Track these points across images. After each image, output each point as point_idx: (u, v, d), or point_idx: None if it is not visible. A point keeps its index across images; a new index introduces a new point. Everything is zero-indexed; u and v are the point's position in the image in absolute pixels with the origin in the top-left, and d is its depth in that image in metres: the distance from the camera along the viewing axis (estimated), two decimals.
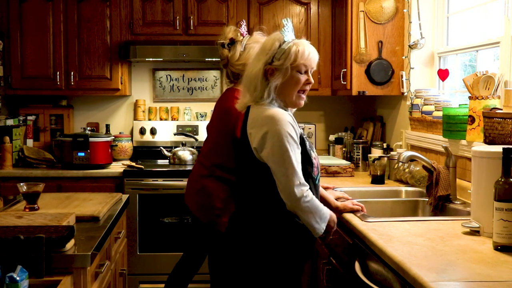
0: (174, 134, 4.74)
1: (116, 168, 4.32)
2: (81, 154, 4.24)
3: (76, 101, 4.86)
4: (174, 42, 4.44)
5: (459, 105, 3.08)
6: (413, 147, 3.71)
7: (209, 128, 2.98)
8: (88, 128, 4.49)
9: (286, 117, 2.18)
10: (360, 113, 4.86)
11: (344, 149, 4.43)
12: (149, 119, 4.87)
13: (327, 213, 2.28)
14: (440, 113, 3.24)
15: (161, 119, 4.87)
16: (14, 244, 1.86)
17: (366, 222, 2.39)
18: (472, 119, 2.76)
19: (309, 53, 2.24)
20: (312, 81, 2.28)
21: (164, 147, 4.61)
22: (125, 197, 3.12)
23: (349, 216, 2.53)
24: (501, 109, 2.59)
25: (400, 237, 2.12)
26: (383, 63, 3.95)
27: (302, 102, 2.30)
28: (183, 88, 4.92)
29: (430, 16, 3.81)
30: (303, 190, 2.16)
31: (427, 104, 3.54)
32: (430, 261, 1.81)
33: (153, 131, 4.77)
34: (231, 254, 2.30)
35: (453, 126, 2.96)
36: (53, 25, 4.45)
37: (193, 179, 2.93)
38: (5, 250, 1.86)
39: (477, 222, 2.14)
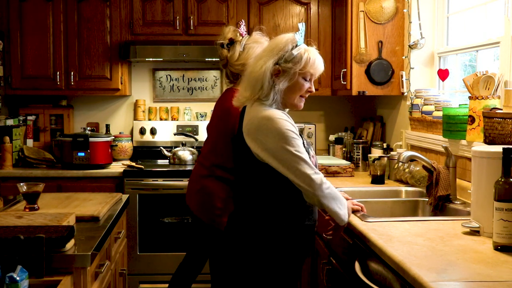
0: (174, 134, 4.74)
1: (116, 168, 4.32)
2: (81, 154, 4.24)
3: (76, 101, 4.86)
4: (174, 42, 4.44)
5: (459, 105, 3.08)
6: (413, 147, 3.71)
7: (209, 128, 2.98)
8: (88, 128, 4.49)
9: (281, 115, 2.18)
10: (360, 113, 4.86)
11: (344, 149, 4.43)
12: (149, 119, 4.87)
13: (344, 199, 2.30)
14: (440, 113, 3.24)
15: (161, 119, 4.88)
16: (14, 244, 1.86)
17: (366, 222, 2.39)
18: (472, 119, 2.76)
19: (318, 64, 2.25)
20: (314, 90, 2.30)
21: (164, 147, 4.61)
22: (125, 197, 3.12)
23: None
24: (501, 109, 2.59)
25: (400, 237, 2.12)
26: (383, 63, 3.95)
27: (302, 104, 2.30)
28: (183, 88, 4.92)
29: (430, 16, 3.81)
30: (321, 177, 2.18)
31: (427, 104, 3.54)
32: (430, 261, 1.81)
33: (153, 131, 4.77)
34: (230, 253, 2.30)
35: (453, 126, 2.96)
36: (53, 25, 4.45)
37: (194, 179, 2.94)
38: (5, 250, 1.86)
39: (477, 222, 2.14)
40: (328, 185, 2.20)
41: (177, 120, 4.87)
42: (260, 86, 2.20)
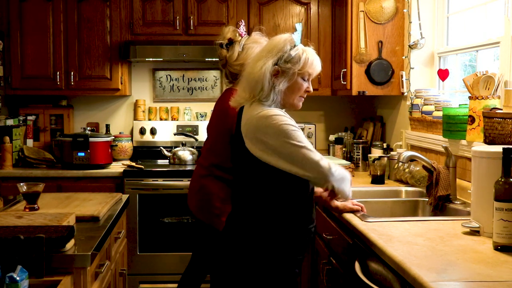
0: (174, 134, 4.74)
1: (116, 168, 4.32)
2: (81, 154, 4.24)
3: (76, 101, 4.86)
4: (174, 42, 4.44)
5: (459, 105, 3.08)
6: (413, 147, 3.71)
7: (208, 128, 2.99)
8: (88, 128, 4.49)
9: (278, 112, 2.18)
10: (360, 113, 4.86)
11: (344, 149, 4.43)
12: (149, 119, 4.87)
13: (348, 173, 2.33)
14: (440, 113, 3.24)
15: (161, 119, 4.88)
16: (14, 244, 1.86)
17: (366, 222, 2.39)
18: (472, 119, 2.76)
19: (316, 64, 2.27)
20: (311, 90, 2.30)
21: (164, 147, 4.61)
22: (125, 197, 3.12)
23: (349, 216, 2.53)
24: (501, 109, 2.59)
25: (400, 237, 2.12)
26: (383, 63, 3.95)
27: (300, 104, 2.31)
28: (183, 88, 4.93)
29: (430, 16, 3.81)
30: (328, 161, 2.20)
31: (427, 104, 3.54)
32: (430, 261, 1.81)
33: (153, 131, 4.77)
34: (228, 253, 2.30)
35: (453, 126, 2.97)
36: (53, 25, 4.45)
37: (194, 180, 2.94)
38: (5, 250, 1.86)
39: (477, 222, 2.14)
40: (336, 167, 2.22)
41: (177, 120, 4.87)
42: (260, 87, 2.19)
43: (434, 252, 1.92)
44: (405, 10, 3.90)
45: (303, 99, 2.30)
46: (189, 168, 4.32)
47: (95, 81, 4.50)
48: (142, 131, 4.78)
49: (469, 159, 2.66)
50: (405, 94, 3.93)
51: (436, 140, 3.30)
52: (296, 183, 2.21)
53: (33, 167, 4.31)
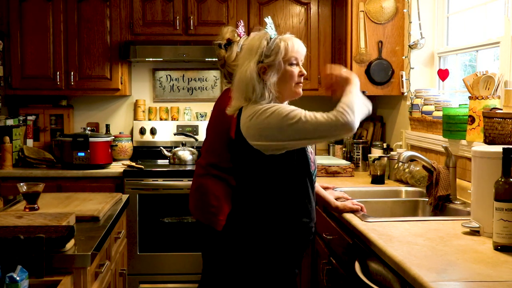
0: (174, 134, 4.74)
1: (116, 168, 4.32)
2: (81, 154, 4.24)
3: (76, 101, 4.86)
4: (174, 42, 4.44)
5: (459, 105, 3.08)
6: (413, 147, 3.71)
7: (207, 128, 3.00)
8: (88, 128, 4.49)
9: (270, 104, 2.18)
10: None
11: (344, 149, 4.43)
12: (149, 119, 4.87)
13: (355, 88, 2.25)
14: (440, 113, 3.24)
15: (161, 119, 4.88)
16: (14, 244, 1.86)
17: (366, 222, 2.39)
18: (472, 119, 2.76)
19: (298, 46, 2.26)
20: (305, 72, 2.29)
21: (164, 147, 4.61)
22: (125, 197, 3.12)
23: (349, 216, 2.53)
24: (501, 109, 2.59)
25: (400, 237, 2.12)
26: (383, 63, 3.95)
27: (300, 90, 2.30)
28: (183, 88, 4.93)
29: (430, 16, 3.81)
30: (335, 114, 2.13)
31: (427, 104, 3.54)
32: (430, 261, 1.81)
33: (153, 131, 4.77)
34: (228, 253, 2.30)
35: (453, 126, 2.97)
36: (53, 25, 4.45)
37: (193, 181, 2.94)
38: (5, 250, 1.86)
39: (477, 222, 2.14)
40: (344, 111, 2.12)
41: (177, 120, 4.87)
42: (252, 89, 2.20)
43: (434, 252, 1.92)
44: (405, 10, 3.90)
45: (301, 85, 2.29)
46: (189, 168, 4.32)
47: (95, 81, 4.50)
48: (142, 131, 4.79)
49: (469, 159, 2.66)
50: (405, 94, 3.93)
51: (436, 140, 3.30)
52: (297, 177, 2.21)
53: (33, 167, 4.31)
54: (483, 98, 2.71)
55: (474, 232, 2.14)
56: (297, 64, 2.26)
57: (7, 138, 4.24)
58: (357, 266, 2.28)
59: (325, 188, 2.81)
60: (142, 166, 4.26)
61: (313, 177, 2.31)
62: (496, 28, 3.03)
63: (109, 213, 2.68)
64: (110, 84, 4.51)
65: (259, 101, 2.21)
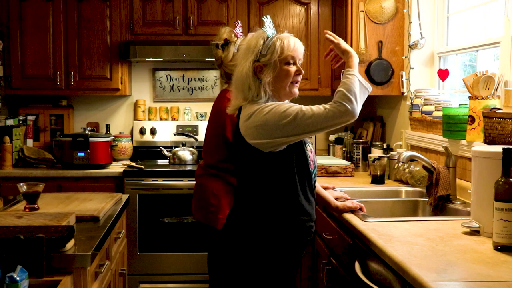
0: (174, 134, 4.74)
1: (116, 168, 4.32)
2: (81, 154, 4.24)
3: (76, 101, 4.86)
4: (174, 42, 4.44)
5: (459, 105, 3.08)
6: (413, 147, 3.71)
7: (206, 129, 3.01)
8: (88, 128, 4.49)
9: (266, 104, 2.19)
10: (360, 113, 4.84)
11: (344, 149, 4.43)
12: (149, 119, 4.87)
13: (353, 71, 2.24)
14: (440, 113, 3.24)
15: (161, 119, 4.88)
16: (14, 244, 1.86)
17: (366, 222, 2.39)
18: (472, 119, 2.76)
19: (294, 44, 2.25)
20: (302, 71, 2.28)
21: (164, 147, 4.61)
22: (125, 197, 3.12)
23: (349, 216, 2.53)
24: (501, 109, 2.59)
25: (400, 237, 2.12)
26: (383, 63, 3.95)
27: (296, 90, 2.30)
28: (183, 88, 4.93)
29: (430, 16, 3.81)
30: (335, 106, 2.13)
31: (427, 104, 3.54)
32: (430, 261, 1.81)
33: (153, 131, 4.77)
34: (229, 251, 2.30)
35: (453, 126, 2.96)
36: (53, 25, 4.45)
37: (195, 182, 2.95)
38: (5, 250, 1.86)
39: (477, 222, 2.14)
40: (344, 100, 2.13)
41: (177, 120, 4.87)
42: (247, 88, 2.22)
43: (434, 252, 1.92)
44: (405, 10, 3.90)
45: (296, 85, 2.29)
46: (189, 168, 4.33)
47: (95, 81, 4.50)
48: (142, 131, 4.79)
49: (469, 159, 2.66)
50: (405, 94, 3.93)
51: (436, 140, 3.30)
52: (296, 176, 2.21)
53: (33, 167, 4.31)
54: (483, 98, 2.71)
55: (474, 232, 2.14)
56: (294, 63, 2.25)
57: (7, 138, 4.24)
58: (357, 266, 2.28)
59: (325, 188, 2.81)
60: (142, 166, 4.26)
61: (313, 175, 2.31)
62: (496, 28, 3.03)
63: (109, 213, 2.68)
64: (110, 84, 4.51)
65: (256, 100, 2.22)
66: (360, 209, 2.61)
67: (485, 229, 2.10)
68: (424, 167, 2.92)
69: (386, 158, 3.66)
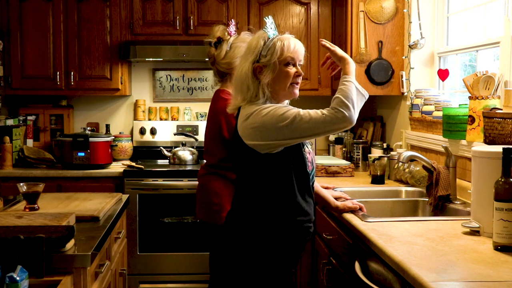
0: (174, 134, 4.74)
1: (116, 168, 4.32)
2: (81, 154, 4.24)
3: (76, 101, 4.86)
4: (174, 42, 4.44)
5: (459, 105, 3.08)
6: (413, 147, 3.71)
7: (205, 130, 3.02)
8: (88, 128, 4.49)
9: (264, 105, 2.19)
10: (360, 113, 4.83)
11: (344, 149, 4.43)
12: (149, 119, 4.87)
13: (350, 77, 2.25)
14: (440, 113, 3.24)
15: (161, 119, 4.88)
16: (14, 244, 1.86)
17: (366, 222, 2.39)
18: (472, 119, 2.76)
19: (295, 46, 2.25)
20: (302, 72, 2.28)
21: (164, 147, 4.61)
22: (125, 197, 3.12)
23: (349, 216, 2.53)
24: (501, 109, 2.59)
25: (400, 237, 2.12)
26: (383, 63, 3.95)
27: (297, 91, 2.30)
28: (183, 88, 4.93)
29: (430, 16, 3.81)
30: (330, 111, 2.14)
31: (427, 104, 3.54)
32: (430, 261, 1.81)
33: (153, 131, 4.77)
34: (228, 250, 2.30)
35: (453, 126, 2.96)
36: (53, 25, 4.45)
37: (198, 183, 2.95)
38: (5, 250, 1.86)
39: (477, 222, 2.14)
40: (341, 107, 2.14)
41: (177, 120, 4.87)
42: (246, 88, 2.23)
43: (434, 252, 1.92)
44: (405, 10, 3.90)
45: (296, 86, 2.29)
46: (189, 168, 4.33)
47: (95, 81, 4.50)
48: (142, 131, 4.79)
49: (469, 159, 2.66)
50: (405, 94, 3.93)
51: (436, 140, 3.30)
52: (293, 177, 2.21)
53: (33, 167, 4.31)
54: (483, 98, 2.71)
55: (474, 232, 2.14)
56: (294, 65, 2.25)
57: (7, 138, 4.24)
58: (357, 266, 2.28)
59: (325, 188, 2.81)
60: (142, 166, 4.26)
61: (310, 177, 2.31)
62: (496, 28, 3.03)
63: (109, 213, 2.68)
64: (110, 84, 4.51)
65: (254, 101, 2.22)
66: (360, 209, 2.61)
67: (485, 229, 2.10)
68: (424, 167, 2.92)
69: (386, 158, 3.66)
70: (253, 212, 2.24)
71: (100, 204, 2.75)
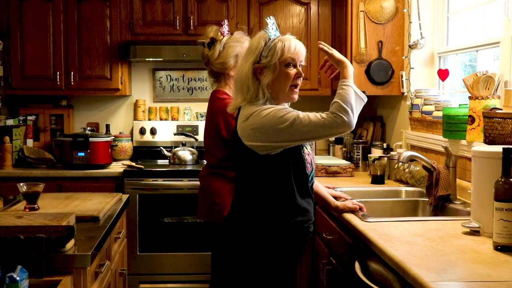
0: (174, 134, 4.74)
1: (116, 168, 4.32)
2: (81, 154, 4.24)
3: (76, 101, 4.86)
4: (174, 42, 4.44)
5: (459, 105, 3.08)
6: (413, 147, 3.71)
7: (204, 130, 3.02)
8: (88, 128, 4.49)
9: (264, 106, 2.19)
10: (360, 113, 4.84)
11: (344, 149, 4.43)
12: (149, 119, 4.87)
13: (349, 81, 2.24)
14: (440, 113, 3.24)
15: (161, 119, 4.88)
16: (14, 244, 1.86)
17: (366, 222, 2.39)
18: (472, 119, 2.76)
19: (295, 47, 2.24)
20: (302, 74, 2.28)
21: (164, 147, 4.61)
22: (125, 197, 3.12)
23: (349, 216, 2.53)
24: (501, 109, 2.59)
25: (400, 237, 2.12)
26: (383, 63, 3.95)
27: (296, 96, 2.30)
28: (183, 88, 4.93)
29: (430, 16, 3.81)
30: (329, 115, 2.14)
31: (427, 104, 3.54)
32: (430, 261, 1.81)
33: (153, 131, 4.77)
34: (228, 250, 2.30)
35: (453, 126, 2.97)
36: (53, 25, 4.45)
37: (199, 183, 2.96)
38: (5, 250, 1.86)
39: (477, 222, 2.14)
40: (340, 111, 2.14)
41: (177, 120, 4.87)
42: (246, 88, 2.23)
43: (434, 252, 1.92)
44: (405, 10, 3.90)
45: (296, 90, 2.28)
46: (189, 168, 4.33)
47: (95, 81, 4.50)
48: (142, 131, 4.79)
49: (469, 159, 2.66)
50: (405, 94, 3.93)
51: (436, 140, 3.30)
52: (292, 178, 2.21)
53: (33, 167, 4.31)
54: (483, 98, 2.71)
55: (474, 232, 2.14)
56: (295, 66, 2.25)
57: (7, 138, 4.24)
58: (357, 266, 2.28)
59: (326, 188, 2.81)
60: (142, 166, 4.26)
61: (310, 178, 2.31)
62: (496, 28, 3.03)
63: (109, 213, 2.68)
64: (110, 84, 4.51)
65: (254, 102, 2.22)
66: (360, 209, 2.61)
67: (485, 229, 2.10)
68: (424, 167, 2.92)
69: (386, 158, 3.66)
70: (253, 212, 2.24)
71: (100, 204, 2.75)
